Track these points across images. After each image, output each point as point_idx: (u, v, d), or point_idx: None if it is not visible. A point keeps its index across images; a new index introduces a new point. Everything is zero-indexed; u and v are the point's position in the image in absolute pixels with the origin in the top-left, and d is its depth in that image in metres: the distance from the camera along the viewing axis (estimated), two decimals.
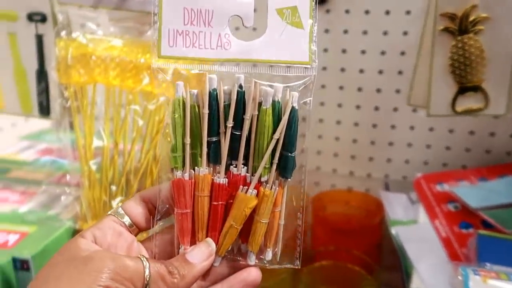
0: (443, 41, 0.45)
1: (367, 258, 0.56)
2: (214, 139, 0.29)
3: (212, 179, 0.30)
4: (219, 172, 0.30)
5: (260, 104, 0.29)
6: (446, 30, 0.45)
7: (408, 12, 0.63)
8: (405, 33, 0.64)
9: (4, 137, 0.69)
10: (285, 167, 0.29)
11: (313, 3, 0.29)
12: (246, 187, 0.29)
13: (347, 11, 0.65)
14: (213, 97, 0.28)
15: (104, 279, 0.26)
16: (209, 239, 0.31)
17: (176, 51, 0.28)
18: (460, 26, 0.44)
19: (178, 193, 0.29)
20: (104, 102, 0.46)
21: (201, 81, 0.29)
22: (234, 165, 0.30)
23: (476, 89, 0.45)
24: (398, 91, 0.66)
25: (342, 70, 0.68)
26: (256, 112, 0.29)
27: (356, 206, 0.66)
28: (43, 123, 0.76)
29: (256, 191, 0.29)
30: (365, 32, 0.65)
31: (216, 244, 0.30)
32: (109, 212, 0.31)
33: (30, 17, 0.49)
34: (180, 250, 0.31)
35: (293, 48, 0.28)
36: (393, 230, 0.56)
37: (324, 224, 0.62)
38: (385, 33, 0.64)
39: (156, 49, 0.27)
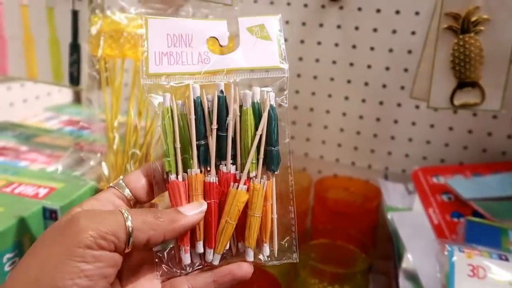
0: (446, 38, 0.48)
1: (363, 238, 0.59)
2: (202, 142, 0.32)
3: (204, 180, 0.31)
4: (210, 172, 0.32)
5: (241, 106, 0.32)
6: (449, 28, 0.47)
7: (417, 13, 0.65)
8: (413, 33, 0.66)
9: (28, 108, 0.74)
10: (270, 161, 0.31)
11: (280, 23, 0.33)
12: (237, 183, 0.31)
13: (359, 9, 0.68)
14: (198, 103, 0.31)
15: (84, 238, 0.26)
16: (201, 200, 0.31)
17: (162, 69, 0.31)
18: (463, 25, 0.47)
19: (174, 194, 0.31)
20: (132, 75, 0.50)
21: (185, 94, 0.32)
22: (224, 165, 0.32)
23: (474, 85, 0.48)
24: (402, 87, 0.69)
25: (351, 64, 0.71)
26: (238, 113, 0.31)
27: (356, 192, 0.68)
28: (64, 98, 0.80)
29: (246, 186, 0.31)
30: (375, 30, 0.68)
31: (214, 242, 0.31)
32: (110, 184, 0.32)
33: None
34: (180, 253, 0.31)
35: (264, 56, 0.32)
36: (389, 215, 0.59)
37: (324, 206, 0.64)
38: (394, 31, 0.67)
39: (145, 67, 0.31)
